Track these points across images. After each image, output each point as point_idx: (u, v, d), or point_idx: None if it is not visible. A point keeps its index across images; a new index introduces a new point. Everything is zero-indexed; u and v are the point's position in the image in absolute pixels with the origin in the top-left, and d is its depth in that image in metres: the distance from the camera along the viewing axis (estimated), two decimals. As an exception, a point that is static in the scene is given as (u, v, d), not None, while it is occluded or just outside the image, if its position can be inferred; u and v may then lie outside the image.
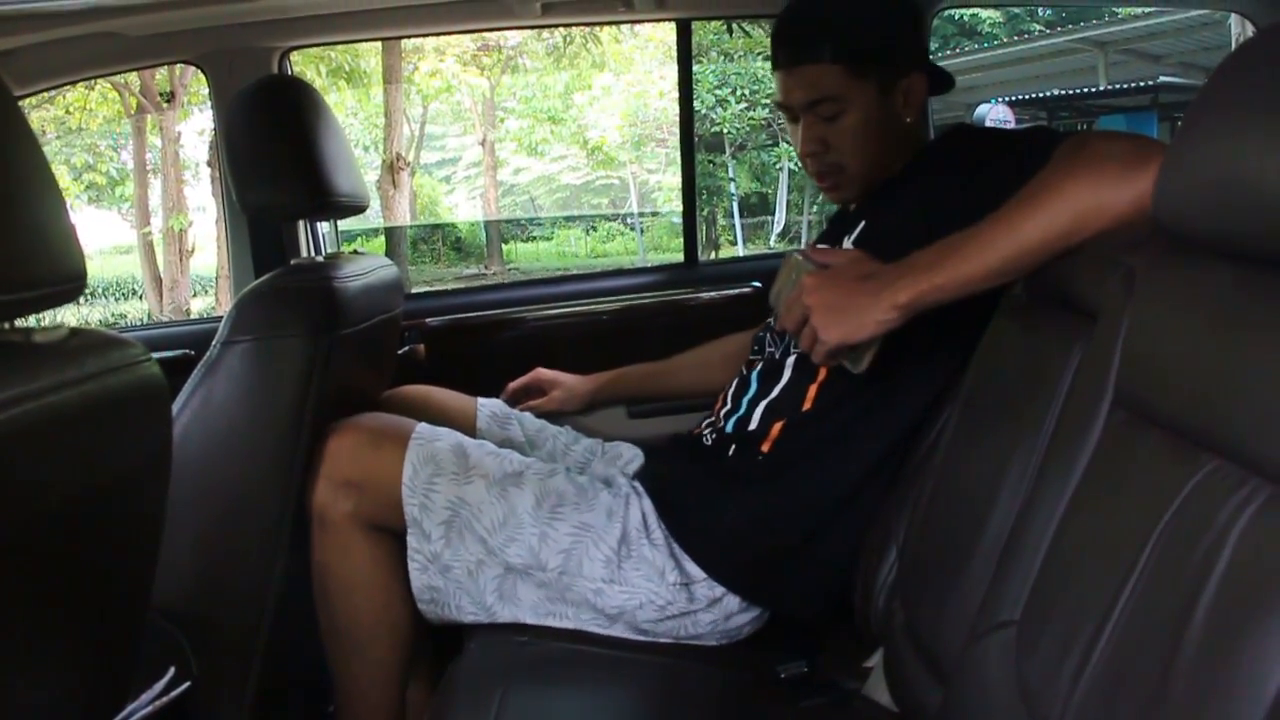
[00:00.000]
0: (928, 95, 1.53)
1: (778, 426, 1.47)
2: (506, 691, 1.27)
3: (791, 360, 1.48)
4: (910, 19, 1.57)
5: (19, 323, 0.82)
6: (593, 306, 2.32)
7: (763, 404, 1.49)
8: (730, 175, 12.02)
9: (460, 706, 1.26)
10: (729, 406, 1.55)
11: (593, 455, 1.72)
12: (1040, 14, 12.00)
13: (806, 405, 1.45)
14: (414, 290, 2.44)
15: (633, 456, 1.69)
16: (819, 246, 1.41)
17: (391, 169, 10.09)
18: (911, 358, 1.37)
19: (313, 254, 2.04)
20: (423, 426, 1.50)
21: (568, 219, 13.69)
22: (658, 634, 1.45)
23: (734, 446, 1.50)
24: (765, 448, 1.47)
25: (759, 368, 1.54)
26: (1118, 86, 10.65)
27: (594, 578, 1.42)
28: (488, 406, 1.77)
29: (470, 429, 1.68)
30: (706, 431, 1.57)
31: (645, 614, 1.43)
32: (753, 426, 1.49)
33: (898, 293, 1.14)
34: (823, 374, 1.44)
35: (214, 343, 1.48)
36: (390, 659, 1.50)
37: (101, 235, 11.68)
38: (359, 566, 1.47)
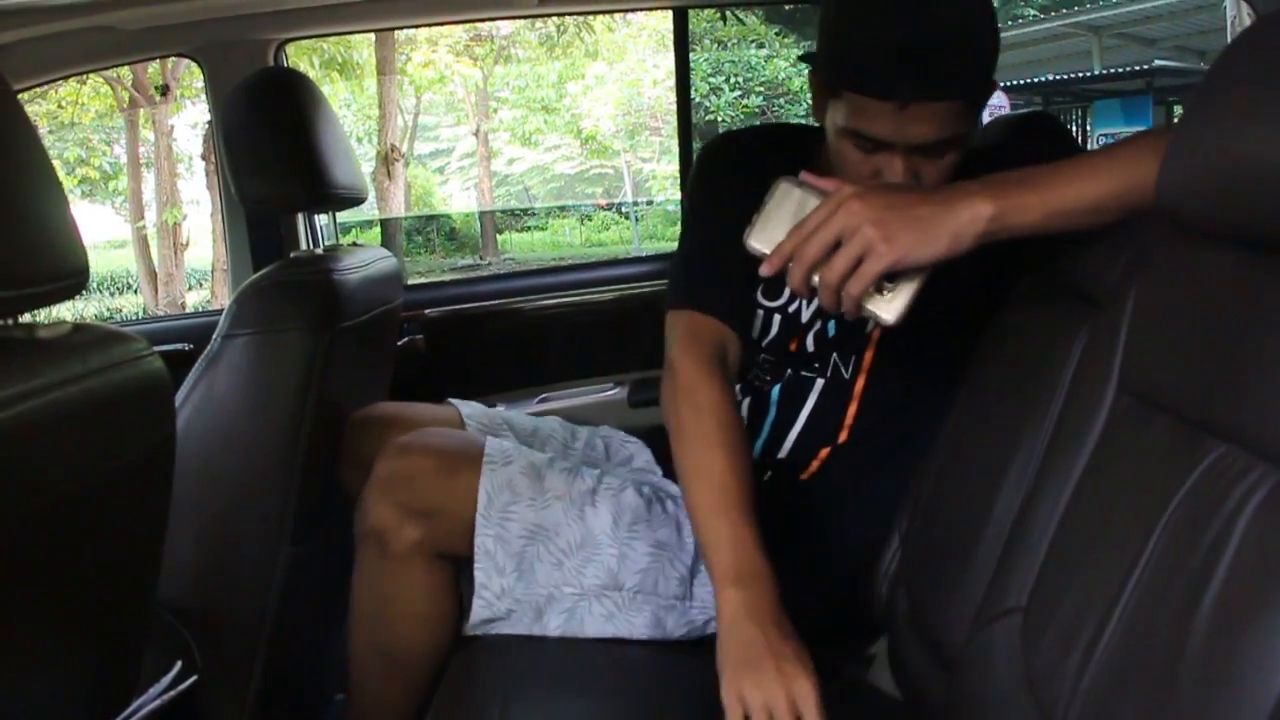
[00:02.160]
0: None
1: (821, 454, 1.42)
2: (509, 692, 1.27)
3: (820, 383, 1.42)
4: None
5: (23, 318, 0.82)
6: (591, 296, 2.32)
7: (794, 430, 1.44)
8: (725, 163, 11.98)
9: (462, 708, 1.26)
10: (748, 427, 1.44)
11: (593, 449, 1.71)
12: (1034, -1, 12.00)
13: (844, 435, 1.41)
14: (410, 281, 2.42)
15: (636, 451, 1.67)
16: (812, 173, 1.14)
17: (386, 160, 10.06)
18: (948, 370, 1.33)
19: (311, 246, 2.04)
20: (491, 445, 1.39)
21: (562, 208, 13.67)
22: (687, 635, 1.42)
23: (769, 473, 1.44)
24: (804, 476, 1.43)
25: (779, 387, 1.45)
26: (1113, 71, 10.64)
27: (668, 595, 1.38)
28: (474, 417, 1.67)
29: None
30: None
31: (708, 628, 1.40)
32: (783, 454, 1.44)
33: (978, 204, 1.01)
34: (860, 388, 1.39)
35: (214, 336, 1.48)
36: (426, 678, 1.43)
37: (95, 230, 11.65)
38: (417, 595, 1.38)
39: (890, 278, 1.05)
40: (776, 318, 1.43)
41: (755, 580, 1.14)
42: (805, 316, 1.41)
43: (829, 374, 1.41)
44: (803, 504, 1.43)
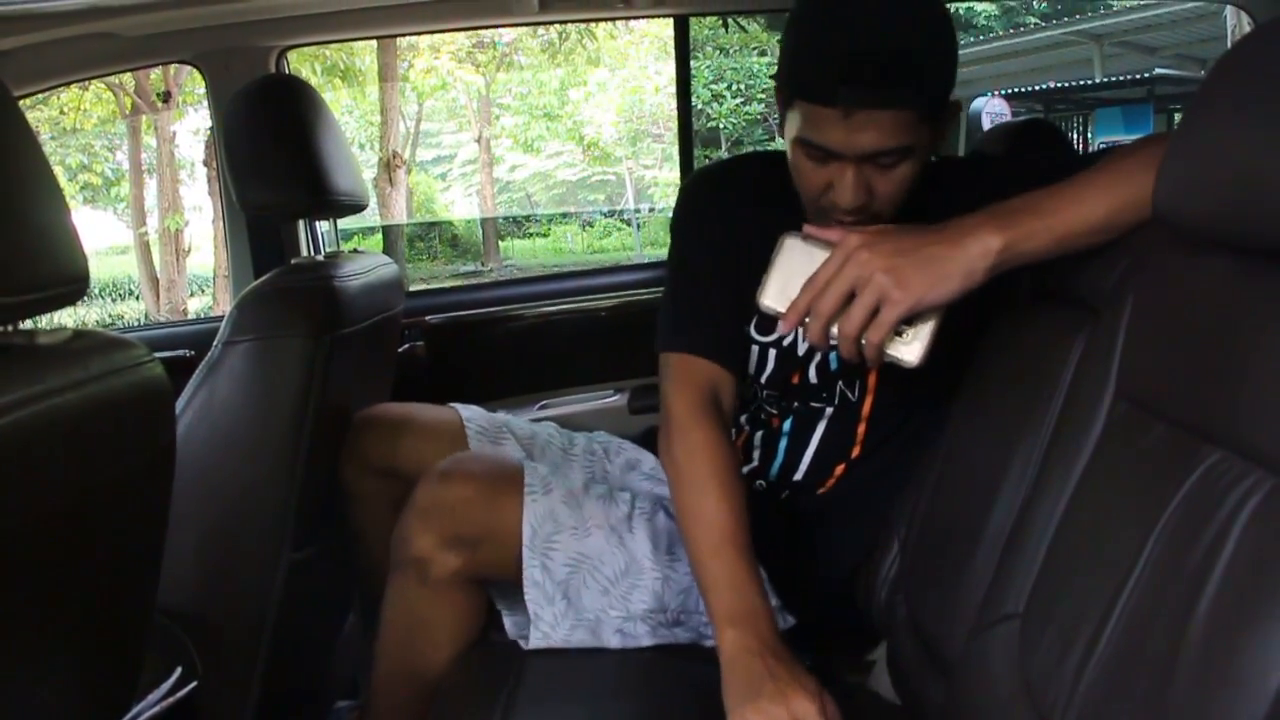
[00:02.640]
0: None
1: (836, 472, 1.43)
2: (511, 696, 1.26)
3: (830, 411, 1.42)
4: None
5: (23, 324, 0.82)
6: (592, 303, 2.32)
7: (808, 453, 1.44)
8: (727, 171, 11.99)
9: (465, 713, 1.26)
10: (761, 458, 1.46)
11: (593, 456, 1.69)
12: (1036, 6, 12.01)
13: (856, 450, 1.42)
14: (412, 288, 2.43)
15: (634, 454, 1.67)
16: (809, 226, 1.16)
17: (388, 167, 10.07)
18: (952, 377, 1.34)
19: (313, 253, 2.04)
20: (530, 472, 1.38)
21: (564, 215, 13.67)
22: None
23: (786, 492, 1.45)
24: (821, 491, 1.44)
25: (790, 421, 1.44)
26: (1114, 79, 10.64)
27: (697, 611, 1.38)
28: (474, 421, 1.67)
29: (461, 445, 1.63)
30: (753, 481, 1.46)
31: None
32: (799, 476, 1.44)
33: (987, 237, 1.02)
34: (868, 409, 1.39)
35: (215, 343, 1.48)
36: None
37: (97, 236, 11.65)
38: (454, 618, 1.39)
39: (907, 320, 1.06)
40: (772, 352, 1.43)
41: (752, 619, 1.16)
42: (801, 349, 1.41)
43: (836, 401, 1.41)
44: (819, 518, 1.44)
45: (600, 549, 1.35)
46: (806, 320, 1.08)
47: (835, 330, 1.07)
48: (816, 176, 1.23)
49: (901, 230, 1.07)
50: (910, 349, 1.06)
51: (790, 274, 1.11)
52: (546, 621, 1.34)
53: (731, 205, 1.43)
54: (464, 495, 1.34)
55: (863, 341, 1.06)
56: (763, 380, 1.44)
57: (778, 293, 1.12)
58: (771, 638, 1.15)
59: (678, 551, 1.37)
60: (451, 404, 1.71)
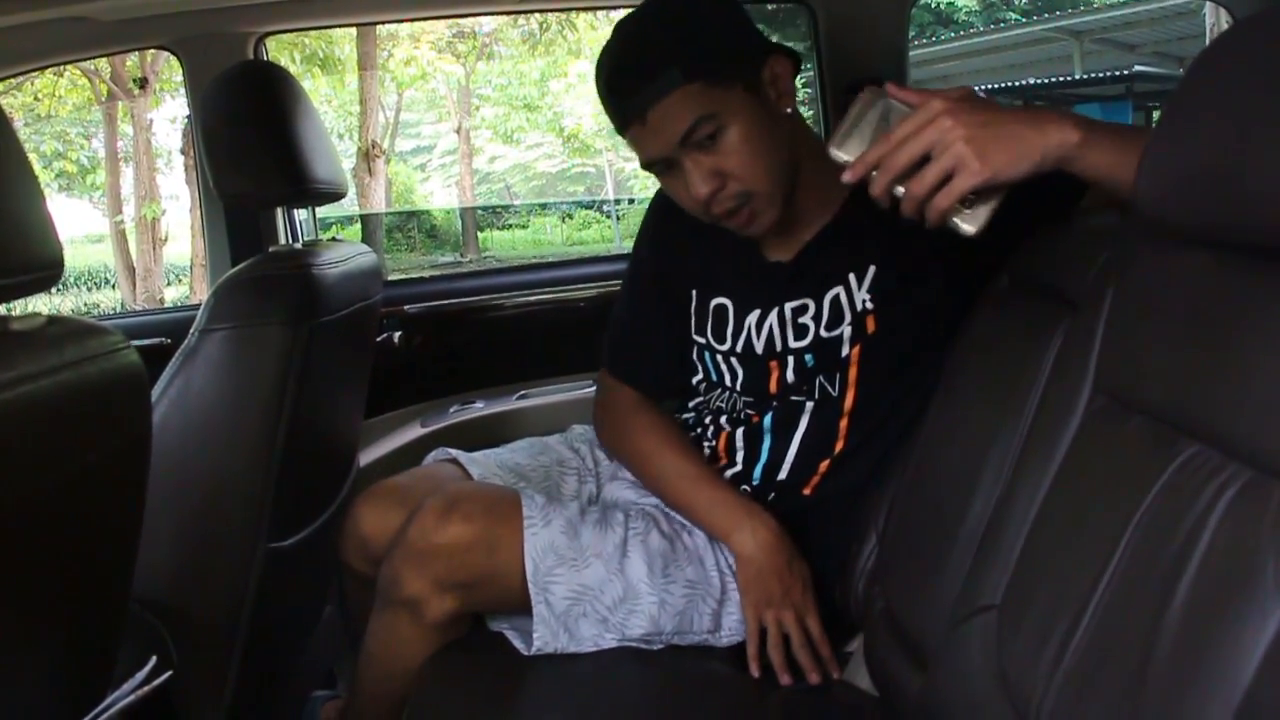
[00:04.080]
0: (794, 77, 1.34)
1: (821, 468, 1.43)
2: (492, 689, 1.26)
3: (810, 405, 1.41)
4: (738, 3, 1.36)
5: (-4, 310, 0.81)
6: (571, 293, 2.31)
7: (791, 449, 1.43)
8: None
9: (440, 711, 1.26)
10: (745, 459, 1.46)
11: (599, 463, 1.63)
12: (1016, 2, 12.06)
13: (839, 445, 1.41)
14: (391, 278, 2.41)
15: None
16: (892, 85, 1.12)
17: (367, 157, 10.02)
18: (931, 370, 1.35)
19: (290, 241, 2.03)
20: (528, 504, 1.35)
21: (543, 206, 13.65)
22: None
23: (772, 494, 1.45)
24: (807, 491, 1.44)
25: (770, 416, 1.43)
26: (1093, 75, 10.71)
27: (702, 630, 1.39)
28: (487, 478, 1.54)
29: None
30: (738, 485, 1.46)
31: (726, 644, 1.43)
32: (783, 475, 1.44)
33: (1068, 129, 1.01)
34: (850, 403, 1.39)
35: (192, 330, 1.47)
36: None
37: (73, 224, 11.57)
38: (442, 651, 1.37)
39: (975, 190, 1.04)
40: (733, 360, 1.44)
41: (750, 518, 1.37)
42: (759, 348, 1.42)
43: (817, 395, 1.41)
44: (806, 519, 1.44)
45: (600, 579, 1.34)
46: (874, 174, 1.07)
47: (899, 189, 1.06)
48: (679, 189, 1.32)
49: (985, 102, 1.05)
50: (973, 219, 1.05)
51: (865, 128, 1.10)
52: (552, 650, 1.33)
53: (671, 226, 1.50)
54: (462, 541, 1.30)
55: (925, 206, 1.05)
56: (738, 387, 1.45)
57: (848, 144, 1.11)
58: (775, 531, 1.37)
59: (672, 572, 1.37)
60: (454, 455, 1.59)
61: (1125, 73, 10.24)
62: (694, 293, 1.49)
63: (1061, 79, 10.94)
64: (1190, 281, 0.85)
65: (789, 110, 1.32)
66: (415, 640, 1.35)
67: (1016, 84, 11.26)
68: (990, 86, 10.69)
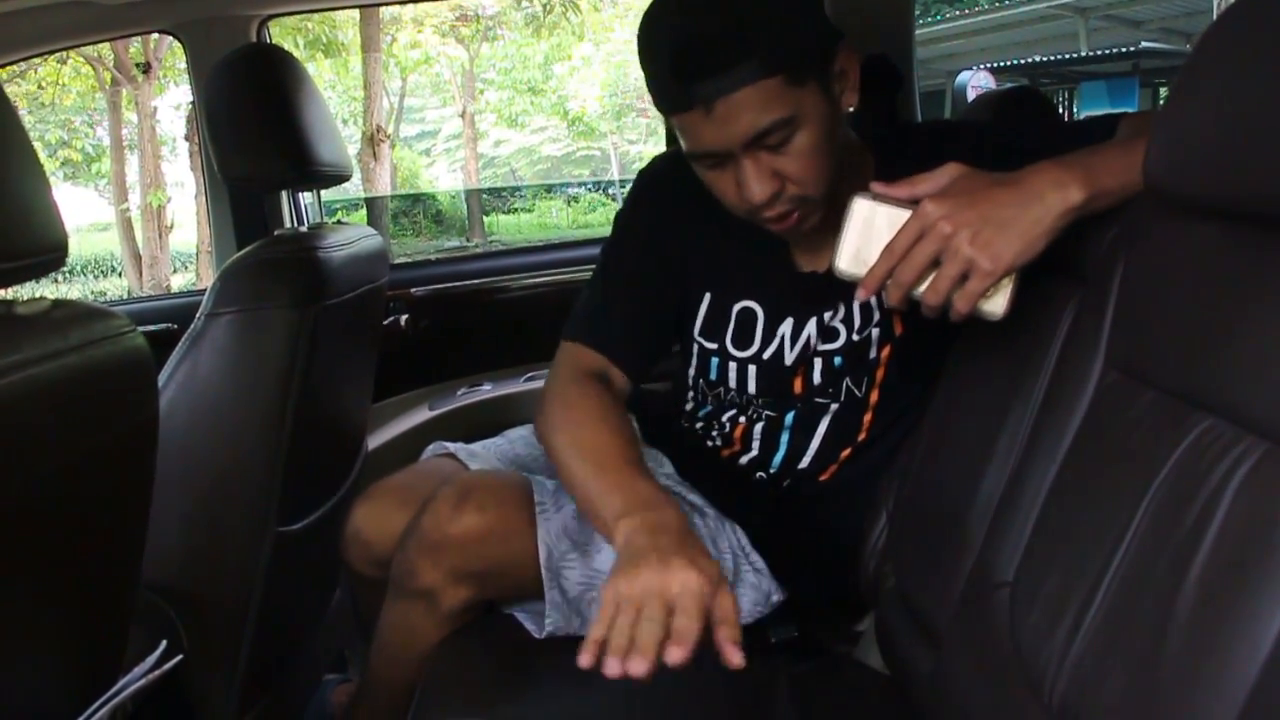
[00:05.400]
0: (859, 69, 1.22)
1: (841, 457, 1.41)
2: (499, 670, 1.26)
3: (835, 406, 1.38)
4: None
5: (1, 295, 0.81)
6: (577, 275, 2.31)
7: (813, 445, 1.40)
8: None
9: (448, 695, 1.26)
10: (762, 448, 1.43)
11: None
12: (1021, -21, 11.97)
13: (862, 435, 1.40)
14: (396, 261, 2.41)
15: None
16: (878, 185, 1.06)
17: (372, 141, 10.01)
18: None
19: (296, 225, 2.03)
20: (538, 489, 1.31)
21: (549, 188, 13.64)
22: None
23: (788, 480, 1.43)
24: (824, 478, 1.42)
25: (792, 414, 1.40)
26: (1099, 52, 10.65)
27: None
28: (480, 461, 1.54)
29: None
30: (754, 472, 1.45)
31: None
32: (804, 465, 1.41)
33: (1070, 191, 0.98)
34: (875, 399, 1.37)
35: (198, 315, 1.46)
36: None
37: (79, 213, 11.59)
38: (455, 636, 1.35)
39: None
40: (751, 368, 1.40)
41: (650, 506, 1.12)
42: (789, 358, 1.37)
43: (843, 397, 1.38)
44: (820, 502, 1.43)
45: (609, 563, 1.33)
46: (887, 285, 1.03)
47: (916, 291, 1.03)
48: (723, 183, 1.20)
49: (974, 188, 1.01)
50: (995, 303, 1.02)
51: (865, 238, 1.06)
52: (565, 634, 1.31)
53: (670, 209, 1.40)
54: (476, 531, 1.27)
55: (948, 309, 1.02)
56: (752, 391, 1.41)
57: (853, 258, 1.06)
58: (672, 522, 1.09)
59: None
60: (451, 449, 1.57)
61: (1131, 49, 10.18)
62: (707, 295, 1.40)
63: (1067, 56, 10.87)
64: (1201, 255, 0.84)
65: (851, 108, 1.22)
66: (429, 629, 1.34)
67: (1022, 61, 11.20)
68: (996, 64, 10.64)
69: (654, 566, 1.01)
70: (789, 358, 1.37)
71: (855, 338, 1.34)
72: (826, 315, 1.35)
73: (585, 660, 0.97)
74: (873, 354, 1.35)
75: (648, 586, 1.00)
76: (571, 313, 1.41)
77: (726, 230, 1.31)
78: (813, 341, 1.36)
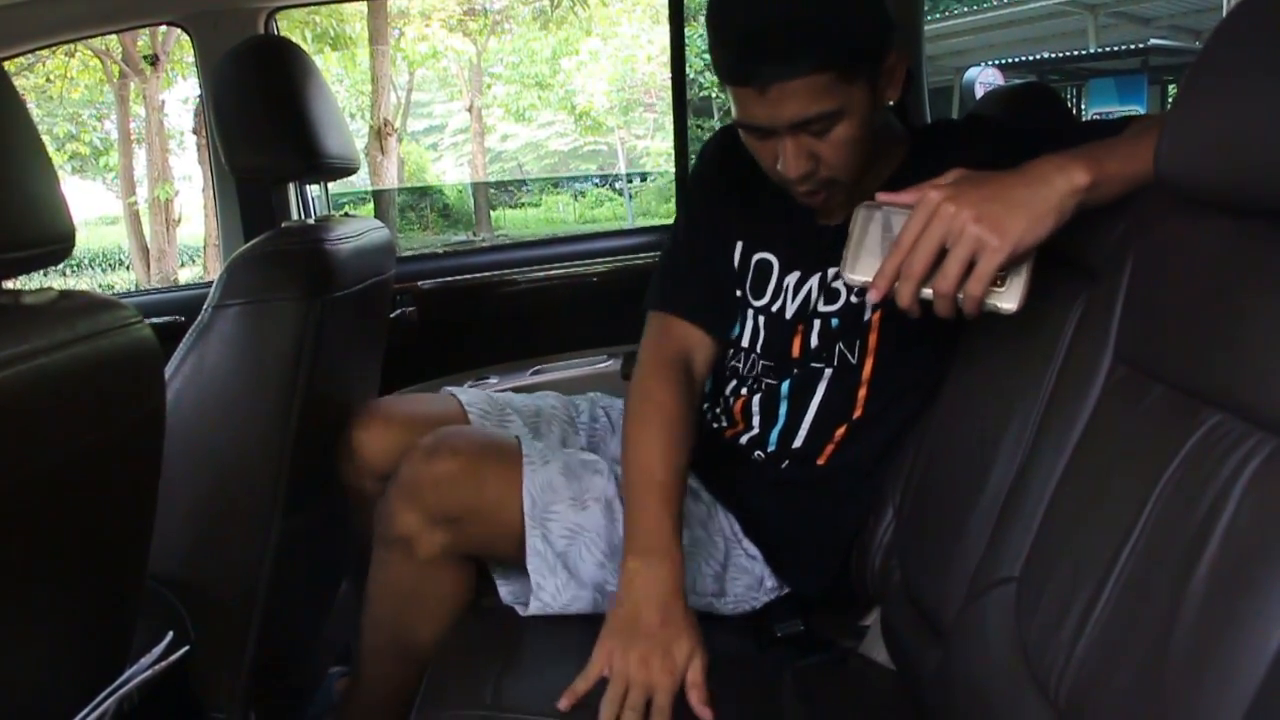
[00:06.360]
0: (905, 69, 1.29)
1: (836, 435, 1.42)
2: (504, 662, 1.26)
3: (829, 372, 1.40)
4: None
5: (8, 285, 0.81)
6: (585, 268, 2.31)
7: (808, 416, 1.42)
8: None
9: (457, 678, 1.26)
10: (761, 423, 1.46)
11: (597, 422, 1.69)
12: (1030, -24, 11.93)
13: (857, 412, 1.41)
14: (403, 254, 2.41)
15: None
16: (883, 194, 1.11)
17: (379, 135, 10.02)
18: (950, 340, 1.33)
19: (303, 217, 2.03)
20: (528, 447, 1.37)
21: (556, 183, 13.63)
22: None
23: (786, 461, 1.44)
24: (821, 461, 1.43)
25: (789, 382, 1.43)
26: (1108, 49, 10.61)
27: (705, 593, 1.39)
28: (475, 405, 1.63)
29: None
30: (752, 450, 1.47)
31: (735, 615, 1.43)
32: (799, 443, 1.43)
33: (1075, 173, 0.98)
34: (869, 371, 1.38)
35: (205, 307, 1.46)
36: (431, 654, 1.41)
37: (87, 205, 11.60)
38: (445, 592, 1.38)
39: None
40: (762, 319, 1.44)
41: (658, 557, 1.23)
42: (790, 311, 1.41)
43: (836, 363, 1.40)
44: (818, 490, 1.43)
45: (598, 523, 1.35)
46: (897, 284, 1.03)
47: (926, 291, 1.02)
48: (764, 153, 1.28)
49: (980, 176, 1.03)
50: (1008, 296, 1.01)
51: (871, 242, 1.08)
52: (548, 591, 1.33)
53: (720, 175, 1.49)
54: (448, 472, 1.32)
55: (959, 297, 1.02)
56: (759, 349, 1.44)
57: (860, 264, 1.08)
58: (671, 583, 1.22)
59: None
60: (450, 389, 1.67)
61: (1140, 46, 10.14)
62: (739, 244, 1.47)
63: (1076, 53, 10.83)
64: (1210, 249, 0.84)
65: (892, 103, 1.29)
66: (411, 577, 1.37)
67: (1031, 58, 11.17)
68: (1005, 61, 10.60)
69: (640, 650, 1.17)
70: (790, 311, 1.41)
71: (853, 299, 1.37)
72: (830, 271, 1.38)
73: (564, 704, 1.15)
74: (866, 316, 1.37)
75: (634, 676, 1.16)
76: (650, 283, 1.49)
77: (764, 186, 1.36)
78: (813, 298, 1.39)
